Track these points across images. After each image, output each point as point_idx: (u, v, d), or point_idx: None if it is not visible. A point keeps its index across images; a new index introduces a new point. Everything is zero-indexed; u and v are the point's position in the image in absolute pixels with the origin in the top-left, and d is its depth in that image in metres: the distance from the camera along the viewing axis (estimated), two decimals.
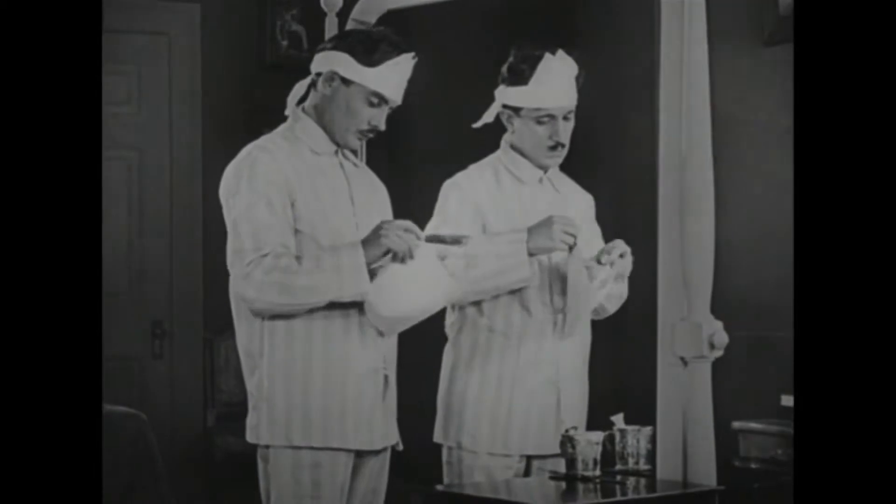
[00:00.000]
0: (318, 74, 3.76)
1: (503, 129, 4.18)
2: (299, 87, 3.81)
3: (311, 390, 3.65)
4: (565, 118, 4.08)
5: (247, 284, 3.59)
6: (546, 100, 4.05)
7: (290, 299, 3.59)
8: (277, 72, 6.79)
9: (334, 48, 3.74)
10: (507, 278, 3.98)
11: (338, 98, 3.73)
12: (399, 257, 3.62)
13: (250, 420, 3.72)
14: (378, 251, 3.61)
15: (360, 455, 3.74)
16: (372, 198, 3.84)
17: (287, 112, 3.81)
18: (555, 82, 4.05)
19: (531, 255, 3.95)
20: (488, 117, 4.15)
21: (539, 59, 4.04)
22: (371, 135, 3.76)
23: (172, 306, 6.94)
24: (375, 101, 3.72)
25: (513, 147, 4.14)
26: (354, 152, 3.87)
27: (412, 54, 3.76)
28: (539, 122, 4.07)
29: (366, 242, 3.61)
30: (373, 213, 3.80)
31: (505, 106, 4.11)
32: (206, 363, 6.89)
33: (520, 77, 4.05)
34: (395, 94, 3.74)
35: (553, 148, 4.08)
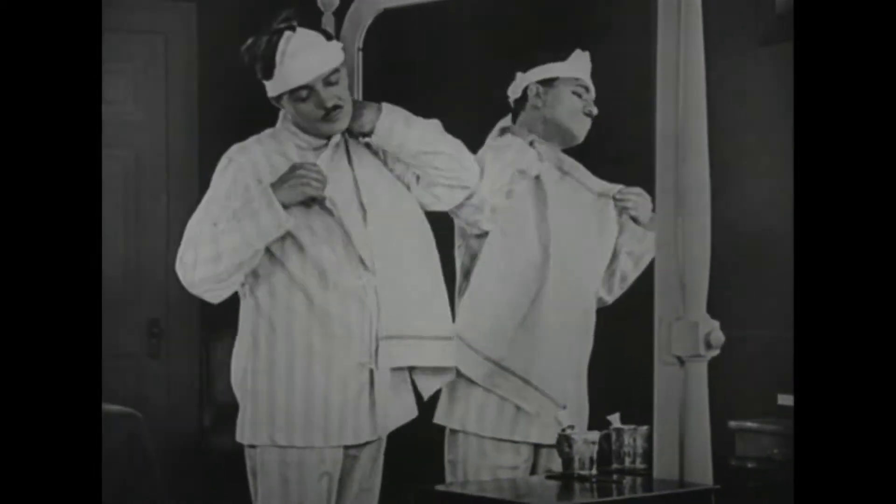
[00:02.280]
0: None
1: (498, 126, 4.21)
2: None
3: (294, 389, 3.66)
4: (593, 100, 4.29)
5: (181, 271, 3.69)
6: (583, 73, 4.26)
7: (218, 264, 3.63)
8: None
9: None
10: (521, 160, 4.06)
11: (287, 110, 3.78)
12: (316, 201, 3.65)
13: (238, 419, 3.74)
14: (294, 195, 3.61)
15: (348, 454, 3.74)
16: (379, 176, 3.83)
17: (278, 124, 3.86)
18: (587, 67, 4.27)
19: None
20: (518, 90, 4.25)
21: (574, 48, 4.26)
22: (336, 111, 3.72)
23: (169, 305, 6.94)
24: (303, 94, 3.72)
25: (528, 126, 4.19)
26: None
27: (284, 32, 3.76)
28: (574, 93, 4.23)
29: (278, 184, 3.62)
30: (380, 191, 3.79)
31: (539, 82, 4.20)
32: (202, 363, 6.89)
33: (556, 57, 4.24)
34: (310, 75, 3.70)
35: (588, 114, 4.25)
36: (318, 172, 3.63)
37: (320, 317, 3.67)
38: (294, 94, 3.71)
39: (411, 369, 3.81)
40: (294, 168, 3.63)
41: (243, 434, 3.72)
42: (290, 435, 3.66)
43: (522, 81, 4.24)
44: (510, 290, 4.05)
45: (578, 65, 4.26)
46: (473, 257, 4.10)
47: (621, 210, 4.21)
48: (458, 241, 4.17)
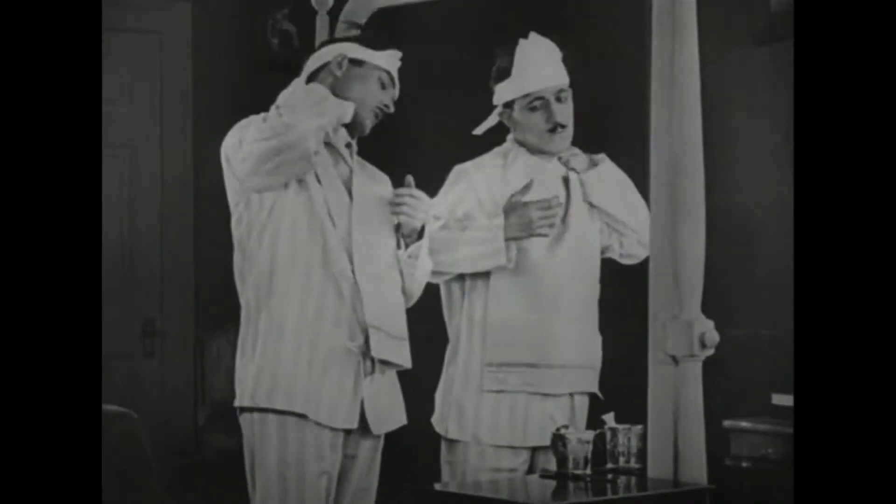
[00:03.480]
0: (320, 68, 3.84)
1: (504, 131, 4.19)
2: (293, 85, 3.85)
3: (283, 354, 3.67)
4: (558, 99, 4.07)
5: (242, 163, 3.66)
6: (530, 83, 4.06)
7: (281, 144, 3.61)
8: (268, 70, 6.79)
9: (333, 42, 3.90)
10: (482, 265, 4.00)
11: (350, 78, 3.82)
12: None
13: (236, 385, 3.76)
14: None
15: (346, 453, 3.74)
16: (373, 188, 3.85)
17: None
18: (534, 65, 4.06)
19: (508, 240, 3.97)
20: (490, 122, 4.16)
21: (514, 48, 4.05)
22: (381, 114, 3.83)
23: (164, 305, 6.94)
24: (385, 79, 3.83)
25: (518, 143, 4.14)
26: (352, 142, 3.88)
27: (400, 53, 3.88)
28: (532, 109, 4.06)
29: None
30: (371, 203, 3.81)
31: (503, 107, 4.11)
32: (197, 362, 6.88)
33: (504, 73, 4.06)
34: (396, 80, 3.86)
35: (552, 130, 4.06)
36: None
37: (319, 294, 3.69)
38: (382, 72, 3.85)
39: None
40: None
41: (240, 398, 3.75)
42: (270, 395, 3.66)
43: (492, 109, 4.16)
44: (524, 306, 4.06)
45: (523, 75, 4.05)
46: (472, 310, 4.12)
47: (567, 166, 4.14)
48: (449, 311, 4.18)
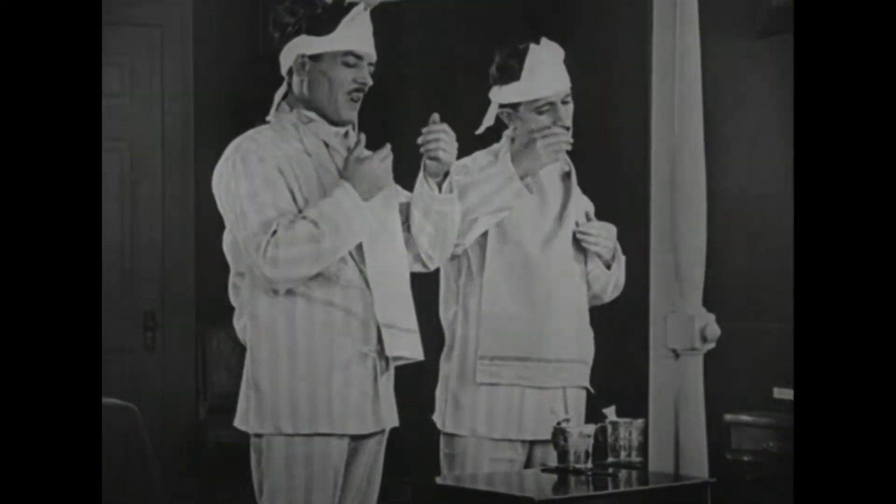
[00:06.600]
0: (290, 72, 3.81)
1: (501, 126, 4.18)
2: (278, 97, 3.84)
3: (297, 377, 3.65)
4: (564, 102, 4.09)
5: (270, 266, 3.57)
6: (542, 89, 4.06)
7: (317, 266, 3.59)
8: (269, 63, 6.77)
9: (287, 40, 3.83)
10: (497, 201, 3.98)
11: (315, 76, 3.75)
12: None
13: (240, 407, 3.72)
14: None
15: (353, 444, 3.74)
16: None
17: (269, 118, 3.82)
18: (546, 70, 4.06)
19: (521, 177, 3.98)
20: (488, 121, 4.15)
21: (525, 51, 4.05)
22: (362, 92, 3.75)
23: (164, 298, 6.94)
24: (351, 60, 3.74)
25: (519, 146, 4.13)
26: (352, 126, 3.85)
27: (362, 5, 3.78)
28: (540, 113, 4.07)
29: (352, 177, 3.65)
30: (378, 201, 3.79)
31: (503, 105, 4.11)
32: (197, 355, 6.89)
33: (510, 74, 4.07)
34: (366, 47, 3.75)
35: (557, 151, 4.06)
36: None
37: (323, 305, 3.67)
38: (343, 55, 3.73)
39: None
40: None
41: (248, 422, 3.70)
42: (295, 422, 3.65)
43: (493, 106, 4.12)
44: (518, 300, 4.06)
45: (535, 80, 4.05)
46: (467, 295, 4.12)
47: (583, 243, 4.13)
48: (445, 305, 4.19)
